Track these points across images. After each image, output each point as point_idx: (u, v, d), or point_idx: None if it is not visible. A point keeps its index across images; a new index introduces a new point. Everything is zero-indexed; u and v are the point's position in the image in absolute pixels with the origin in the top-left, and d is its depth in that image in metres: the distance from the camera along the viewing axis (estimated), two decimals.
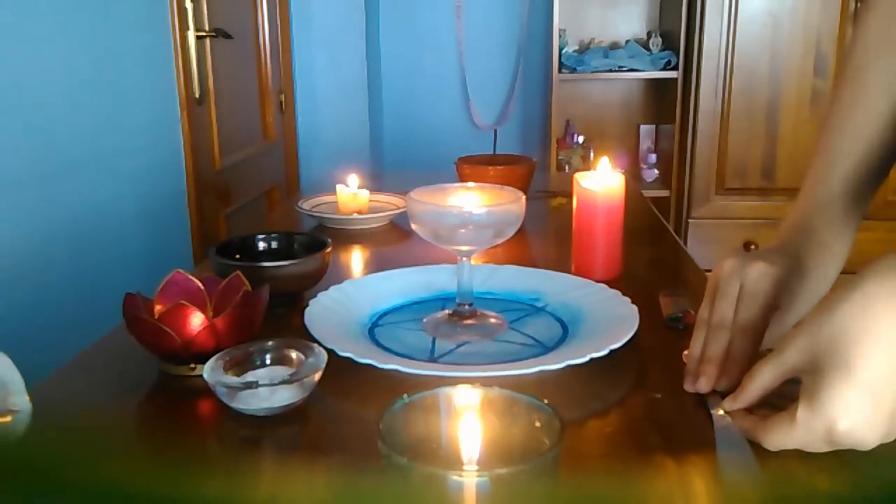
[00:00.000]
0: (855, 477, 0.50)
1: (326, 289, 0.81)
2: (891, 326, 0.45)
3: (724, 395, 0.58)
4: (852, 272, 0.50)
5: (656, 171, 2.82)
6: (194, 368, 0.66)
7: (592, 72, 2.68)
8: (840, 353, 0.45)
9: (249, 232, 0.92)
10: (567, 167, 2.81)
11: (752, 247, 2.42)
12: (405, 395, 0.43)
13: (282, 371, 0.61)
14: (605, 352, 0.65)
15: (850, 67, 0.68)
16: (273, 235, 0.92)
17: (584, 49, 2.83)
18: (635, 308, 0.74)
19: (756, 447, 0.51)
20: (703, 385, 0.59)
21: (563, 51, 2.72)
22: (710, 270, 0.64)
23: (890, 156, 0.67)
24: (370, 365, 0.63)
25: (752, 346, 0.58)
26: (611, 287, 0.81)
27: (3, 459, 0.51)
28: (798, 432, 0.48)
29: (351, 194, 1.26)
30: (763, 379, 0.52)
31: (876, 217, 2.26)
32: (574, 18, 2.84)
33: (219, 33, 1.83)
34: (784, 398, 0.51)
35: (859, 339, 0.45)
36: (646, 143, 2.94)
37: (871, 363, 0.45)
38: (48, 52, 1.20)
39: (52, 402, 0.62)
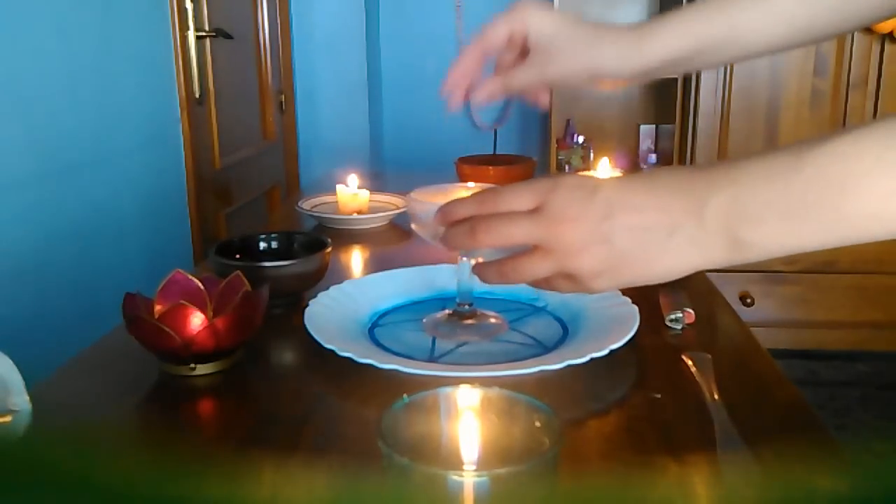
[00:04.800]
0: (855, 477, 0.50)
1: (326, 289, 0.81)
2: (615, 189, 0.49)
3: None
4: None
5: None
6: (194, 368, 0.66)
7: None
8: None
9: (249, 232, 0.92)
10: (567, 167, 2.81)
11: None
12: (405, 395, 0.43)
13: None
14: (605, 352, 0.65)
15: None
16: (273, 235, 0.92)
17: None
18: (635, 308, 0.74)
19: (756, 449, 0.51)
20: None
21: None
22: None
23: None
24: (370, 365, 0.63)
25: (471, 51, 0.66)
26: None
27: (3, 459, 0.51)
28: (538, 265, 0.51)
29: (351, 194, 1.26)
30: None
31: None
32: None
33: (219, 33, 1.83)
34: None
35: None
36: (646, 142, 2.94)
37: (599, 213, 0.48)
38: (48, 52, 1.20)
39: (52, 402, 0.62)
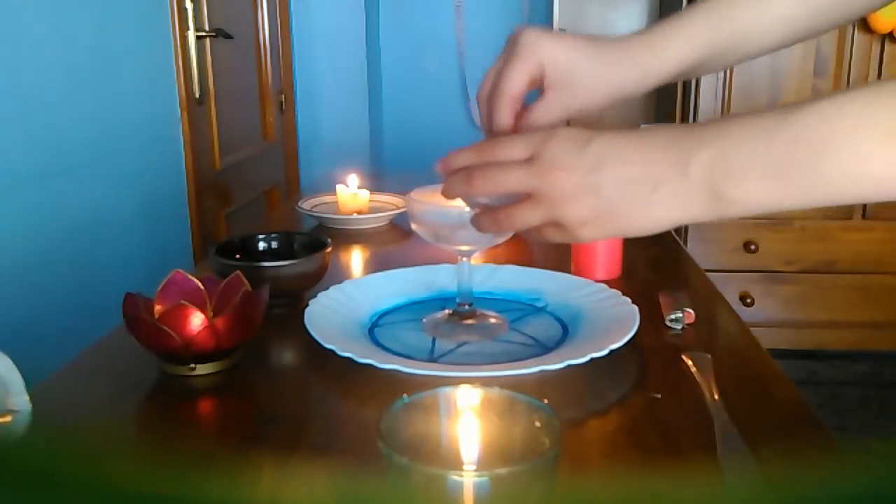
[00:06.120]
0: (854, 477, 0.50)
1: (326, 289, 0.81)
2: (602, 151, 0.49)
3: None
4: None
5: None
6: (194, 368, 0.66)
7: None
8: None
9: (249, 232, 0.92)
10: None
11: (752, 247, 2.42)
12: (405, 395, 0.43)
13: None
14: (605, 352, 0.65)
15: None
16: (273, 235, 0.92)
17: None
18: (635, 308, 0.74)
19: (756, 449, 0.51)
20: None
21: None
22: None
23: None
24: (370, 365, 0.63)
25: (500, 109, 0.60)
26: (611, 287, 0.81)
27: (3, 459, 0.51)
28: (530, 213, 0.52)
29: (351, 194, 1.26)
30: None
31: (876, 217, 2.26)
32: (574, 18, 2.84)
33: (219, 33, 1.83)
34: None
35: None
36: None
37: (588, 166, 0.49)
38: (48, 53, 1.20)
39: (52, 402, 0.62)
